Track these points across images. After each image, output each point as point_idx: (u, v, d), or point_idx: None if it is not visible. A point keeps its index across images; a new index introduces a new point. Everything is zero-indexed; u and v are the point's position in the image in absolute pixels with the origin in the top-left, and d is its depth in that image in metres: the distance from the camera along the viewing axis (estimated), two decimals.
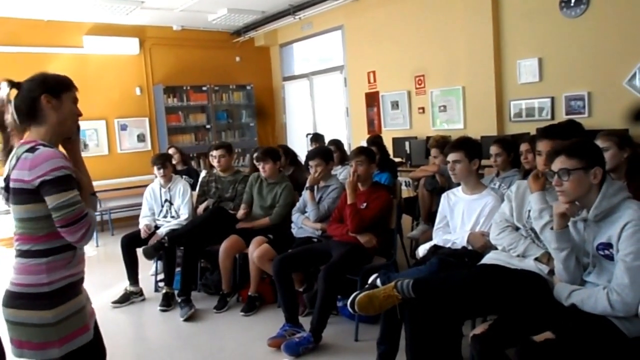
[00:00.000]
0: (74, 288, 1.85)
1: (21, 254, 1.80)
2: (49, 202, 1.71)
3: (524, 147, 3.54)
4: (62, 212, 1.72)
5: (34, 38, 7.64)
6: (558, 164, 2.15)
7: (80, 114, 1.91)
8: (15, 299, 1.79)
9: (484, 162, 3.36)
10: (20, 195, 1.75)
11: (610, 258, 2.07)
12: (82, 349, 1.83)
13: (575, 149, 2.14)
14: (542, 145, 2.72)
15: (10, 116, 1.80)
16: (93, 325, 1.94)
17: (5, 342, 2.13)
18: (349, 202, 3.64)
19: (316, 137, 6.70)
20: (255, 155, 4.77)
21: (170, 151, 6.15)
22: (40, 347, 1.77)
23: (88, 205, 1.85)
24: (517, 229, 2.69)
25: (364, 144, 5.42)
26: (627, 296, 1.97)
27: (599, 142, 2.72)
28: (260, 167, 4.39)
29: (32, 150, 1.73)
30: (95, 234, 7.22)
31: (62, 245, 1.79)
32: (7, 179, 1.78)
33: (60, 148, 1.89)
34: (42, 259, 1.77)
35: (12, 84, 1.83)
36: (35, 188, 1.71)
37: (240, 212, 4.50)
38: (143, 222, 4.76)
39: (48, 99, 1.80)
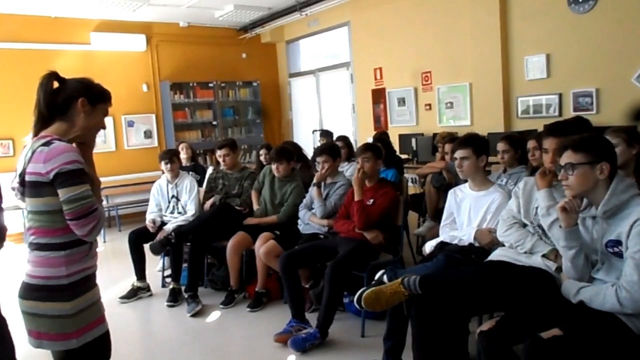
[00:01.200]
0: (90, 280, 1.90)
1: (38, 247, 1.82)
2: (61, 195, 1.74)
3: (531, 144, 3.52)
4: (72, 205, 1.74)
5: (41, 35, 7.68)
6: (565, 158, 2.15)
7: (104, 127, 1.99)
8: (34, 291, 1.81)
9: (491, 158, 3.35)
10: (36, 188, 1.77)
11: (620, 255, 2.06)
12: (97, 340, 1.87)
13: (581, 143, 2.13)
14: (548, 143, 2.70)
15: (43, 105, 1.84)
16: None
17: (16, 334, 2.16)
18: (356, 198, 3.64)
19: (325, 133, 6.70)
20: (268, 154, 4.76)
21: (182, 146, 6.16)
22: (59, 337, 1.81)
23: (99, 201, 1.87)
24: (525, 225, 2.68)
25: (370, 140, 5.43)
26: (636, 293, 1.96)
27: None
28: (274, 167, 4.39)
29: (47, 144, 1.76)
30: (102, 230, 7.26)
31: (79, 238, 1.82)
32: (22, 174, 1.81)
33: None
34: (60, 251, 1.80)
35: (57, 77, 1.88)
36: (50, 180, 1.74)
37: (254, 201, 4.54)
38: (150, 218, 4.78)
39: (84, 104, 1.86)
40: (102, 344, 1.91)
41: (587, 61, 5.30)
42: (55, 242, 1.80)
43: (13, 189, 1.89)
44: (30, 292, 1.82)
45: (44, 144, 1.76)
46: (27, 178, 1.78)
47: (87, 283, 1.87)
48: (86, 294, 1.85)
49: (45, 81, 1.84)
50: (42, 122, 1.85)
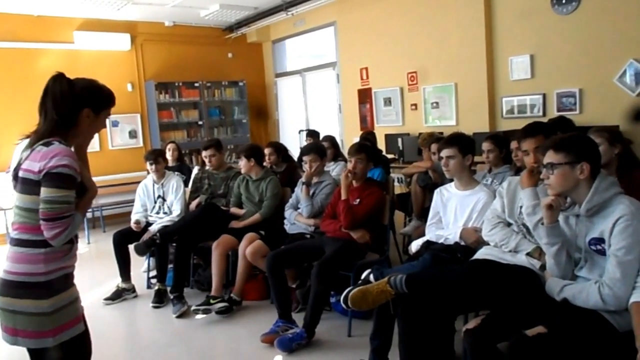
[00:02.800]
0: (68, 279, 1.89)
1: (19, 243, 1.82)
2: (42, 193, 1.75)
3: (513, 144, 3.57)
4: (47, 205, 1.75)
5: (24, 33, 7.57)
6: (546, 158, 2.18)
7: (104, 127, 2.03)
8: (11, 288, 1.81)
9: (476, 158, 3.38)
10: (27, 185, 1.79)
11: (602, 253, 2.09)
12: (74, 340, 1.86)
13: (561, 144, 2.16)
14: (527, 144, 2.75)
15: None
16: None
17: None
18: (342, 198, 3.65)
19: (311, 133, 6.70)
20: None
21: (170, 146, 6.11)
22: (35, 335, 1.80)
23: (84, 208, 1.91)
24: (509, 224, 2.71)
25: (357, 140, 5.44)
26: (618, 290, 1.98)
27: None
28: (241, 164, 4.43)
29: (47, 144, 1.79)
30: (86, 231, 7.20)
31: None
32: (17, 168, 1.82)
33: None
34: (40, 249, 1.80)
35: (64, 78, 1.88)
36: (39, 179, 1.76)
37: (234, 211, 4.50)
38: (134, 218, 4.74)
39: (88, 114, 1.89)
40: (79, 344, 1.90)
41: (571, 62, 5.36)
42: (36, 239, 1.80)
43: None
44: (8, 288, 1.81)
45: (44, 144, 1.79)
46: (21, 174, 1.80)
47: (65, 281, 1.87)
48: (64, 292, 1.85)
49: (57, 83, 1.84)
50: (56, 126, 1.84)
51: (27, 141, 1.87)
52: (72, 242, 1.89)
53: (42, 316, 1.78)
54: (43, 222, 1.76)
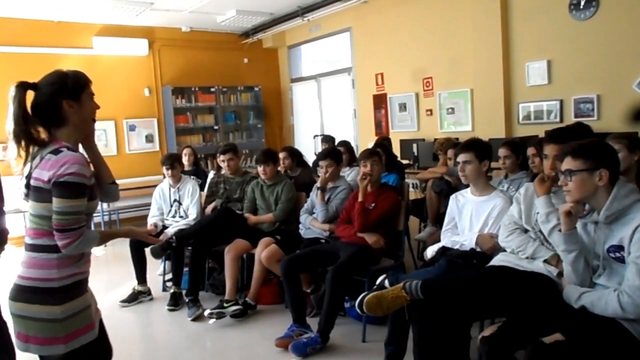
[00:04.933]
0: (81, 286, 1.87)
1: (33, 248, 1.82)
2: (54, 204, 1.74)
3: (530, 151, 3.53)
4: (60, 216, 1.74)
5: (44, 39, 7.70)
6: (564, 164, 2.17)
7: (98, 107, 1.93)
8: (24, 293, 1.79)
9: (492, 164, 3.36)
10: (38, 193, 1.78)
11: (621, 260, 2.06)
12: (86, 347, 1.83)
13: (580, 150, 2.14)
14: (549, 149, 2.71)
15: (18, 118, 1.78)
16: (98, 323, 1.95)
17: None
18: (359, 199, 3.66)
19: (327, 139, 6.71)
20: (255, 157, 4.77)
21: (186, 151, 6.16)
22: (46, 342, 1.78)
23: (102, 236, 1.91)
24: (526, 231, 2.69)
25: (371, 145, 5.44)
26: (638, 298, 1.96)
27: None
28: (260, 169, 4.41)
29: (55, 152, 1.77)
30: None
31: None
32: (28, 177, 1.81)
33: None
34: (53, 254, 1.79)
35: (28, 86, 1.82)
36: (49, 188, 1.75)
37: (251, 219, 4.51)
38: (151, 222, 4.79)
39: (69, 104, 1.82)
40: (92, 351, 1.87)
41: (588, 68, 5.31)
42: (50, 244, 1.79)
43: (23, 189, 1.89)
44: (21, 293, 1.80)
45: (52, 152, 1.77)
46: (32, 183, 1.79)
47: (78, 288, 1.84)
48: (77, 299, 1.82)
49: (21, 91, 1.78)
50: (27, 136, 1.78)
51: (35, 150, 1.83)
52: None
53: (54, 322, 1.76)
54: (55, 232, 1.76)
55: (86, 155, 1.90)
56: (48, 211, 1.77)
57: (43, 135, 1.82)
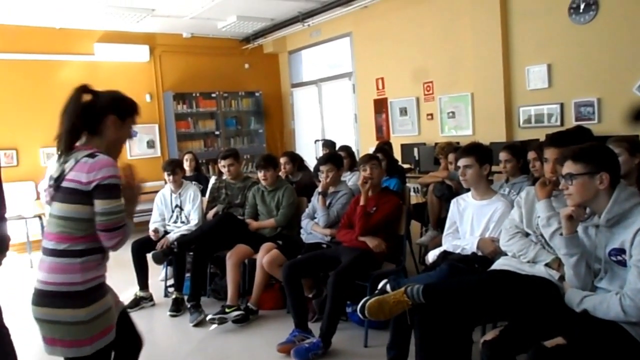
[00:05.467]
0: (103, 288, 1.94)
1: (56, 253, 1.85)
2: (97, 206, 1.83)
3: (531, 155, 3.53)
4: (105, 217, 1.83)
5: (46, 45, 7.74)
6: (565, 168, 2.17)
7: (131, 137, 2.11)
8: (48, 298, 1.84)
9: (493, 168, 3.36)
10: (72, 194, 1.84)
11: (623, 264, 2.06)
12: (108, 347, 1.91)
13: (580, 154, 2.14)
14: (549, 153, 2.71)
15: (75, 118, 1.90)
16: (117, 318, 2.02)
17: (21, 342, 2.17)
18: (361, 203, 3.66)
19: (327, 144, 6.72)
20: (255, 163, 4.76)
21: (187, 157, 6.17)
22: (73, 344, 1.83)
23: (129, 217, 1.97)
24: (527, 235, 2.68)
25: (372, 150, 5.44)
26: None
27: None
28: (261, 175, 4.41)
29: (92, 155, 1.85)
30: None
31: (95, 247, 1.89)
32: (59, 179, 1.87)
33: None
34: (77, 258, 1.84)
35: (88, 90, 1.94)
36: (89, 191, 1.82)
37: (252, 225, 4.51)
38: (153, 227, 4.79)
39: (114, 120, 1.96)
40: (110, 350, 1.94)
41: (588, 71, 5.32)
42: (74, 249, 1.84)
43: (45, 190, 1.95)
44: (44, 298, 1.84)
45: (89, 155, 1.85)
46: (65, 184, 1.84)
47: (100, 290, 1.91)
48: (100, 301, 1.88)
49: (76, 95, 1.91)
50: (73, 134, 1.91)
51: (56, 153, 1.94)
52: (104, 251, 1.94)
53: (80, 325, 1.82)
54: (102, 233, 1.84)
55: None
56: (78, 213, 1.84)
57: (84, 138, 1.94)
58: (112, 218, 1.84)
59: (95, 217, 1.83)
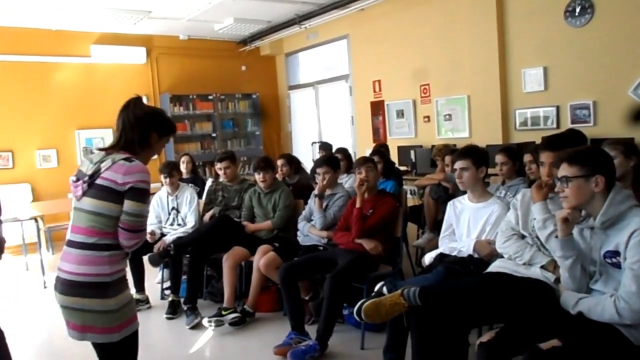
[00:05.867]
0: (125, 281, 2.10)
1: (85, 246, 1.98)
2: (127, 206, 1.96)
3: (527, 158, 3.55)
4: (131, 218, 1.97)
5: (42, 47, 7.73)
6: (561, 171, 2.18)
7: (159, 153, 2.32)
8: (77, 288, 1.96)
9: (489, 170, 3.37)
10: (106, 192, 1.97)
11: (618, 266, 2.07)
12: (133, 335, 2.06)
13: (576, 157, 2.15)
14: (545, 157, 2.73)
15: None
16: None
17: (16, 344, 2.16)
18: (357, 206, 3.67)
19: (324, 146, 6.72)
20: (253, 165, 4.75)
21: (184, 159, 6.16)
22: (103, 331, 1.98)
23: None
24: (523, 237, 2.69)
25: (369, 152, 5.45)
26: (634, 304, 1.96)
27: None
28: (259, 177, 4.41)
29: (129, 160, 2.00)
30: None
31: (119, 242, 2.01)
32: (93, 176, 1.99)
33: None
34: (105, 252, 1.98)
35: (140, 102, 2.13)
36: (123, 192, 1.96)
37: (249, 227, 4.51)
38: (149, 230, 4.78)
39: (155, 137, 2.12)
40: (136, 339, 2.09)
41: (584, 74, 5.35)
42: (102, 243, 1.97)
43: (75, 185, 2.03)
44: (74, 288, 1.97)
45: (126, 159, 1.99)
46: (100, 182, 1.97)
47: (124, 282, 2.07)
48: (125, 291, 2.05)
49: (135, 106, 2.08)
50: (129, 142, 2.05)
51: (96, 153, 2.08)
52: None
53: (110, 313, 1.97)
54: (124, 232, 1.97)
55: None
56: (110, 211, 1.96)
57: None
58: (138, 220, 1.98)
59: (121, 216, 1.96)
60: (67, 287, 1.97)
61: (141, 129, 2.06)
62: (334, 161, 4.26)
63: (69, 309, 1.99)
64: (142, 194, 1.99)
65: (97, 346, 2.04)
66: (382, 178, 4.76)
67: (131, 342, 2.05)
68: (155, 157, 7.83)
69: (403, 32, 7.31)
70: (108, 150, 2.05)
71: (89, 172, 2.00)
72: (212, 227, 4.47)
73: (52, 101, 7.65)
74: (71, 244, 2.01)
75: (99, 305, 1.95)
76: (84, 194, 1.99)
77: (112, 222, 1.97)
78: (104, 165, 1.98)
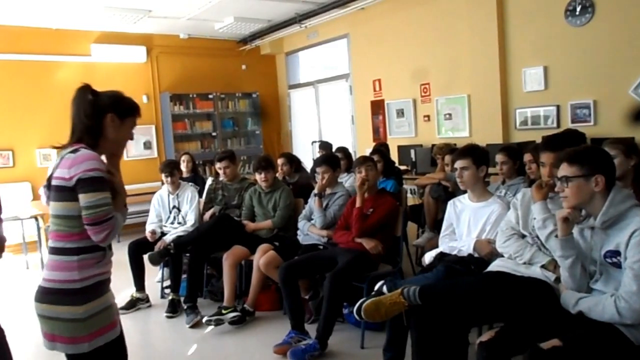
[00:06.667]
0: (102, 286, 1.93)
1: (54, 251, 1.89)
2: (81, 200, 1.82)
3: (527, 157, 3.55)
4: (90, 211, 1.81)
5: (42, 46, 7.72)
6: (561, 170, 2.18)
7: (132, 139, 2.08)
8: (47, 295, 1.87)
9: (489, 170, 3.37)
10: (60, 192, 1.86)
11: (618, 266, 2.07)
12: (109, 345, 1.91)
13: (575, 156, 2.15)
14: (545, 157, 2.73)
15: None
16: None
17: (16, 343, 2.16)
18: (357, 205, 3.67)
19: (324, 145, 6.72)
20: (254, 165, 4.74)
21: (184, 158, 6.16)
22: (71, 341, 1.85)
23: (121, 208, 1.97)
24: (523, 236, 2.70)
25: (369, 152, 5.45)
26: (635, 303, 1.96)
27: None
28: (260, 177, 4.41)
29: (74, 151, 1.86)
30: None
31: (93, 244, 1.88)
32: (49, 178, 1.89)
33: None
34: (74, 256, 1.86)
35: (90, 90, 1.96)
36: (73, 186, 1.82)
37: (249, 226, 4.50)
38: (149, 228, 4.79)
39: (113, 118, 1.95)
40: (115, 349, 1.94)
41: (585, 73, 5.34)
42: (69, 247, 1.86)
43: (43, 191, 1.98)
44: (45, 295, 1.88)
45: (72, 151, 1.86)
46: (53, 182, 1.87)
47: (99, 288, 1.91)
48: (98, 299, 1.89)
49: (82, 93, 1.93)
50: (81, 132, 1.92)
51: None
52: (104, 249, 1.93)
53: (77, 322, 1.84)
54: (89, 228, 1.83)
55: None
56: (68, 210, 1.85)
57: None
58: (98, 211, 1.81)
59: (75, 212, 1.83)
60: (39, 294, 1.89)
61: (93, 114, 1.92)
62: (333, 160, 4.26)
63: (40, 316, 1.89)
64: (92, 183, 1.81)
65: (68, 358, 1.93)
66: (382, 177, 4.76)
67: (107, 353, 1.91)
68: (156, 156, 7.67)
69: (403, 31, 7.31)
70: (59, 149, 1.93)
71: (48, 175, 1.91)
72: (212, 226, 4.47)
73: (53, 100, 7.63)
74: (49, 249, 1.93)
75: (66, 312, 1.84)
76: (48, 198, 1.91)
77: (75, 222, 1.85)
78: (55, 165, 1.88)
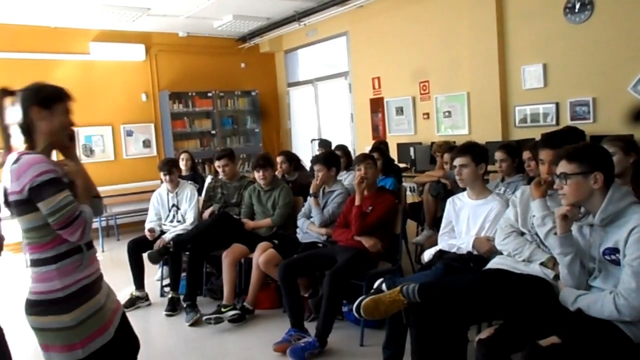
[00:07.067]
0: (89, 290, 1.89)
1: (33, 263, 1.84)
2: (41, 208, 1.74)
3: (526, 154, 3.55)
4: (55, 216, 1.74)
5: (41, 44, 7.71)
6: (559, 168, 2.18)
7: (72, 124, 1.94)
8: (34, 307, 1.83)
9: (489, 167, 3.37)
10: (19, 207, 1.79)
11: (617, 263, 2.07)
12: (104, 348, 1.88)
13: (575, 153, 2.15)
14: (544, 154, 2.73)
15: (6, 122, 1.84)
16: (119, 320, 2.01)
17: (16, 342, 2.16)
18: (356, 203, 3.67)
19: (323, 143, 6.71)
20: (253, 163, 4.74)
21: (183, 156, 6.16)
22: (64, 349, 1.82)
23: (85, 200, 1.88)
24: (522, 234, 2.70)
25: (368, 149, 5.45)
26: (634, 300, 1.96)
27: None
28: (259, 175, 4.41)
29: (16, 161, 1.76)
30: (101, 239, 7.27)
31: (69, 249, 1.83)
32: (5, 194, 1.81)
33: (60, 156, 1.96)
34: (52, 265, 1.81)
35: (7, 92, 1.86)
36: (28, 197, 1.75)
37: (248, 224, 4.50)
38: (149, 227, 4.78)
39: (38, 110, 1.84)
40: (110, 351, 1.91)
41: (584, 71, 5.34)
42: (46, 257, 1.81)
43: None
44: (32, 307, 1.84)
45: (15, 162, 1.76)
46: (10, 198, 1.79)
47: (85, 293, 1.87)
48: (86, 304, 1.85)
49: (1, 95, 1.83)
50: (6, 139, 1.84)
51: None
52: (82, 252, 1.87)
53: (67, 330, 1.80)
54: (61, 231, 1.76)
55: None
56: (34, 222, 1.79)
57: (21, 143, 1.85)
58: (63, 212, 1.74)
59: (41, 222, 1.77)
60: (27, 307, 1.85)
61: (21, 113, 1.82)
62: (328, 159, 4.23)
63: (32, 328, 1.86)
64: (45, 188, 1.72)
65: None
66: (382, 175, 4.76)
67: (105, 355, 1.88)
68: (155, 154, 7.64)
69: (402, 29, 7.30)
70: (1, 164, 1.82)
71: (2, 192, 1.82)
72: (212, 225, 4.47)
73: None
74: (27, 263, 1.87)
75: (54, 322, 1.80)
76: (11, 213, 1.83)
77: (44, 232, 1.79)
78: (7, 180, 1.77)
